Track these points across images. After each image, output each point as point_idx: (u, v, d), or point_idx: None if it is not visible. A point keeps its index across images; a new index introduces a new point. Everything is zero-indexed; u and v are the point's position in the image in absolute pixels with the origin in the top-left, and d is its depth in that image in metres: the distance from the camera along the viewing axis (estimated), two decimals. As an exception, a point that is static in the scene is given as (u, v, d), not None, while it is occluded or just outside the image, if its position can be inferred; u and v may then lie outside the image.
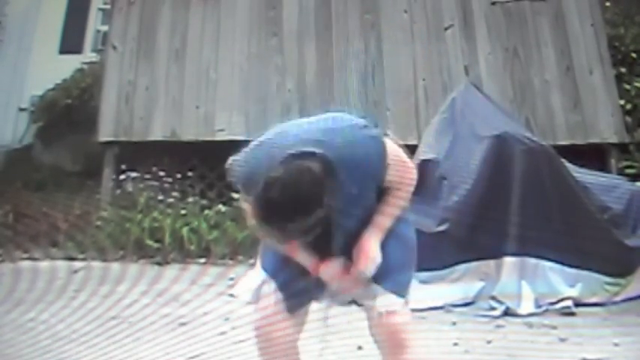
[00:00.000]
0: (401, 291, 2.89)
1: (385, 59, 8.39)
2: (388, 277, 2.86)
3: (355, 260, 2.80)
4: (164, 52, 8.59)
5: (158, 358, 3.91)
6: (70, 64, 11.25)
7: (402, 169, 2.83)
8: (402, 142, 2.96)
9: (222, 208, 7.73)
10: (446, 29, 8.55)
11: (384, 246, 2.84)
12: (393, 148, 2.80)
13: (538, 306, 5.57)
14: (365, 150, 2.67)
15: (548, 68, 8.42)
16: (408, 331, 2.90)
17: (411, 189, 2.89)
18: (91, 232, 7.51)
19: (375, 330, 2.92)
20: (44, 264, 6.93)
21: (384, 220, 2.84)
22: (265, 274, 2.94)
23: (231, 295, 5.67)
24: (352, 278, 2.83)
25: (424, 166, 5.76)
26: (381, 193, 2.84)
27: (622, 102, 8.39)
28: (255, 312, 2.91)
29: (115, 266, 6.84)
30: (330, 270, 2.84)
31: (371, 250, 2.79)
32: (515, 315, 5.47)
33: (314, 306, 2.98)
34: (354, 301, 3.06)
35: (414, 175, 2.90)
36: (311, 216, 2.47)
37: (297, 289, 2.88)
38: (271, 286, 2.89)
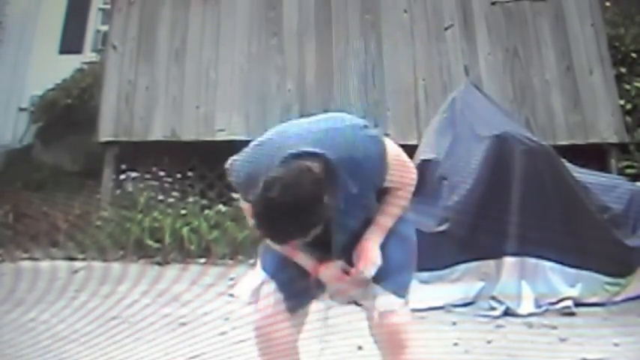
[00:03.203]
0: (401, 291, 2.90)
1: (385, 59, 8.39)
2: (388, 277, 2.86)
3: (355, 262, 2.81)
4: (164, 52, 8.59)
5: (158, 358, 3.91)
6: (70, 64, 11.24)
7: (402, 170, 2.82)
8: (402, 142, 2.97)
9: (222, 208, 7.73)
10: (446, 29, 8.55)
11: (384, 246, 2.85)
12: (394, 149, 2.79)
13: (538, 306, 5.57)
14: (365, 150, 2.65)
15: (548, 68, 8.42)
16: (408, 331, 2.90)
17: (412, 189, 2.90)
18: (92, 232, 7.51)
19: (375, 330, 2.92)
20: (44, 264, 6.93)
21: (385, 220, 2.85)
22: (265, 275, 2.94)
23: (232, 295, 5.67)
24: (352, 280, 2.83)
25: (424, 166, 5.76)
26: (382, 193, 2.84)
27: (622, 102, 8.39)
28: (255, 312, 2.91)
29: (116, 266, 6.84)
30: (329, 272, 2.85)
31: (371, 252, 2.80)
32: (515, 315, 5.47)
33: (314, 306, 2.98)
34: (354, 302, 3.06)
35: (414, 175, 2.90)
36: (311, 216, 2.46)
37: (297, 289, 2.88)
38: (271, 287, 2.89)
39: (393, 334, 2.88)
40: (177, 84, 8.48)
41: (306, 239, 2.57)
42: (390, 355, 2.91)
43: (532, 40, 8.52)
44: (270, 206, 2.45)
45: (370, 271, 2.79)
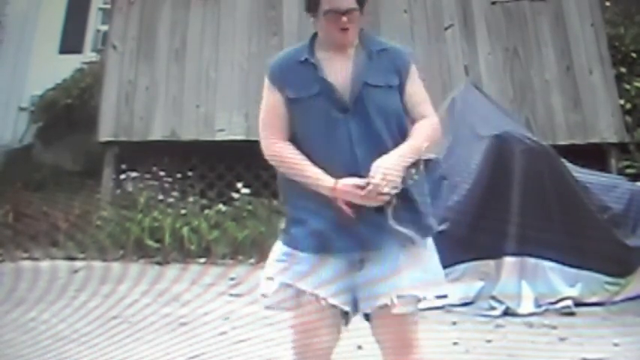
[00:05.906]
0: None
1: (385, 59, 8.38)
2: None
3: (372, 175, 2.77)
4: (164, 52, 8.60)
5: (159, 358, 3.91)
6: (70, 64, 11.25)
7: (423, 91, 3.01)
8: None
9: (222, 207, 7.73)
10: (446, 29, 8.56)
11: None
12: (417, 74, 3.00)
13: (538, 306, 5.58)
14: (396, 47, 3.07)
15: (548, 68, 8.43)
16: (417, 330, 2.85)
17: (437, 124, 3.05)
18: (91, 231, 7.52)
19: (379, 330, 2.85)
20: (44, 264, 6.93)
21: (409, 145, 2.95)
22: (287, 248, 2.82)
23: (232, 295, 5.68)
24: (366, 195, 2.78)
25: (424, 166, 5.75)
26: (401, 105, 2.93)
27: (622, 102, 8.40)
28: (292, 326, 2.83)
29: (116, 266, 6.84)
30: (345, 187, 2.78)
31: (389, 164, 2.80)
32: (515, 315, 5.48)
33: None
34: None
35: (434, 115, 3.04)
36: None
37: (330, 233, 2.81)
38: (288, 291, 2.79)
39: (401, 334, 2.81)
40: (177, 84, 8.48)
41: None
42: (394, 356, 2.82)
43: (532, 40, 8.52)
44: None
45: (383, 182, 2.76)
